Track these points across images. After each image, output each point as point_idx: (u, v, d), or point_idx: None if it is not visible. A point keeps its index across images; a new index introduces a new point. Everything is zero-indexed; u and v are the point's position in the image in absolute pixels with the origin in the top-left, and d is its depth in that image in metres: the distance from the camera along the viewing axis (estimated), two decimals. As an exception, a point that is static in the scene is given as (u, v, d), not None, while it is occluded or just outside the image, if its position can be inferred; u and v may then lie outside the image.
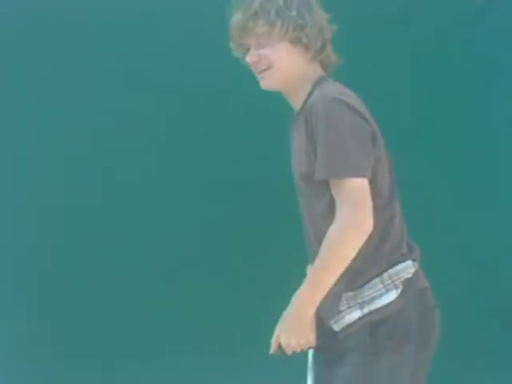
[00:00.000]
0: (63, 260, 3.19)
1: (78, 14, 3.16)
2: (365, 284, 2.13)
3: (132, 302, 3.14)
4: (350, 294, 2.15)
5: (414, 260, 2.16)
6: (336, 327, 2.16)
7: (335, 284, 2.10)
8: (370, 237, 2.08)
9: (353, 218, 2.05)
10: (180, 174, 3.17)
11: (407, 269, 2.13)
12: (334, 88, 2.13)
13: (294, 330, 2.10)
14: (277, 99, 2.23)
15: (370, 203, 2.06)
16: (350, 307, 2.14)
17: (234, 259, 3.11)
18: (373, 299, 2.12)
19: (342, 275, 2.10)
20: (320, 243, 2.08)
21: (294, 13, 2.15)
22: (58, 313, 3.19)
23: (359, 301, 2.13)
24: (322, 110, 2.05)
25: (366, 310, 2.13)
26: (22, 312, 3.21)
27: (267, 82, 2.19)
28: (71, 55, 3.18)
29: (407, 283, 2.11)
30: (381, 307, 2.11)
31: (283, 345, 2.11)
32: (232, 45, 2.25)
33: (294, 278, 2.31)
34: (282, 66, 2.17)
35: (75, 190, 3.17)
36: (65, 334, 3.19)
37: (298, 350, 2.11)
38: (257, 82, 2.15)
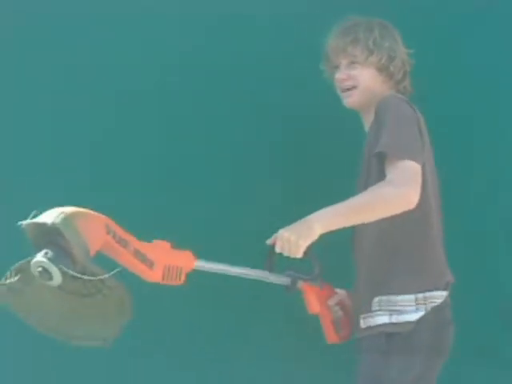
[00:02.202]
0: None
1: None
2: (399, 294, 2.25)
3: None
4: (384, 298, 2.23)
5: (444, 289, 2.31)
6: (363, 324, 2.31)
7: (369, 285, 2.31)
8: (411, 235, 2.29)
9: (401, 183, 2.17)
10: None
11: (440, 297, 2.28)
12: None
13: (295, 229, 2.15)
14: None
15: (420, 183, 2.18)
16: (380, 310, 2.23)
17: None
18: (401, 312, 2.24)
19: (374, 281, 2.31)
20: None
21: (387, 45, 2.48)
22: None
23: (391, 308, 2.21)
24: (391, 100, 2.35)
25: (393, 320, 2.24)
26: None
27: (350, 100, 2.50)
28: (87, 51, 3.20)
29: (434, 308, 2.26)
30: (404, 322, 2.24)
31: (279, 233, 2.17)
32: (324, 64, 2.59)
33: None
34: (366, 87, 2.47)
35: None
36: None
37: (287, 247, 2.14)
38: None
